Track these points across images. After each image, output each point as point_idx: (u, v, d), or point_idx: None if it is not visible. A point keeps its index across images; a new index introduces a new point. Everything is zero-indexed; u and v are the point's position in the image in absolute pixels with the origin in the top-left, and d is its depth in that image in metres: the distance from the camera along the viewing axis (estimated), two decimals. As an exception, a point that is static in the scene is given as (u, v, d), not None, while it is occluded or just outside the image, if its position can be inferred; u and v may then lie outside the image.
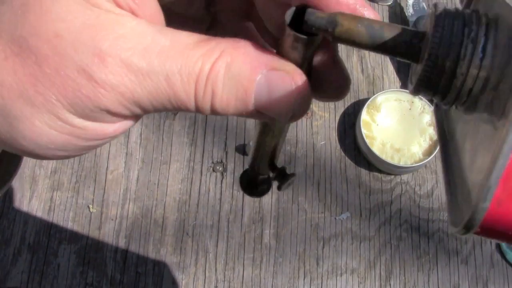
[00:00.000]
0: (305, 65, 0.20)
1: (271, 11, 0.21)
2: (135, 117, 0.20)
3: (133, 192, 0.76)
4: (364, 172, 0.80)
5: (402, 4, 0.90)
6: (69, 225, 0.74)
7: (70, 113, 0.18)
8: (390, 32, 0.18)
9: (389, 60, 0.87)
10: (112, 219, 0.75)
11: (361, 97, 0.84)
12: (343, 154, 0.80)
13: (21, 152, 0.19)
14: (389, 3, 0.90)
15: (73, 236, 0.74)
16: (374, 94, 0.81)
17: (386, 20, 0.89)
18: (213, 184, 0.77)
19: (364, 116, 0.79)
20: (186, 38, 0.19)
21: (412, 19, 0.86)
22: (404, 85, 0.85)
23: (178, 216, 0.75)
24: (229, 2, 0.24)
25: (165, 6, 0.23)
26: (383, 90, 0.82)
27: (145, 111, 0.19)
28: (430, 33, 0.16)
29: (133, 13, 0.19)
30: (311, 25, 0.19)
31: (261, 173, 0.27)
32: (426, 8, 0.86)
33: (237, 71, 0.19)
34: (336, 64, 0.22)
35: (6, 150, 0.20)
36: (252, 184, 0.27)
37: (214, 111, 0.19)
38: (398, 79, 0.86)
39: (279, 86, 0.19)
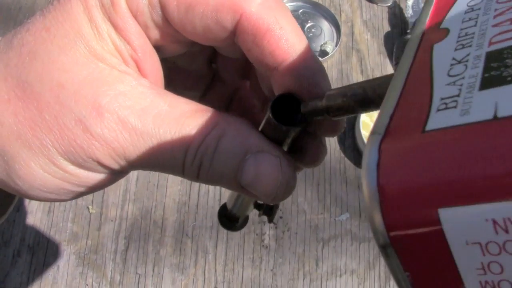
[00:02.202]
0: (287, 145, 0.21)
1: (265, 74, 0.22)
2: (124, 172, 0.20)
3: (133, 193, 0.76)
4: (363, 173, 0.80)
5: (402, 5, 0.91)
6: (69, 226, 0.74)
7: (64, 159, 0.18)
8: (370, 89, 0.18)
9: (388, 62, 0.87)
10: (112, 220, 0.75)
11: (361, 98, 0.84)
12: (342, 155, 0.80)
13: (15, 192, 0.20)
14: (389, 4, 0.90)
15: (73, 237, 0.74)
16: (373, 95, 0.81)
17: (386, 21, 0.89)
18: (212, 185, 0.77)
19: (364, 117, 0.79)
20: (184, 105, 0.19)
21: (411, 20, 0.87)
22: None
23: (177, 217, 0.75)
24: (230, 61, 0.24)
25: (170, 60, 0.23)
26: (382, 91, 0.82)
27: (134, 167, 0.20)
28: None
29: (137, 64, 0.20)
30: (308, 114, 0.20)
31: (241, 216, 0.27)
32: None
33: (228, 147, 0.19)
34: (316, 138, 0.23)
35: (1, 189, 0.20)
36: (231, 220, 0.28)
37: (199, 181, 0.20)
38: (397, 80, 0.86)
39: (267, 168, 0.19)
